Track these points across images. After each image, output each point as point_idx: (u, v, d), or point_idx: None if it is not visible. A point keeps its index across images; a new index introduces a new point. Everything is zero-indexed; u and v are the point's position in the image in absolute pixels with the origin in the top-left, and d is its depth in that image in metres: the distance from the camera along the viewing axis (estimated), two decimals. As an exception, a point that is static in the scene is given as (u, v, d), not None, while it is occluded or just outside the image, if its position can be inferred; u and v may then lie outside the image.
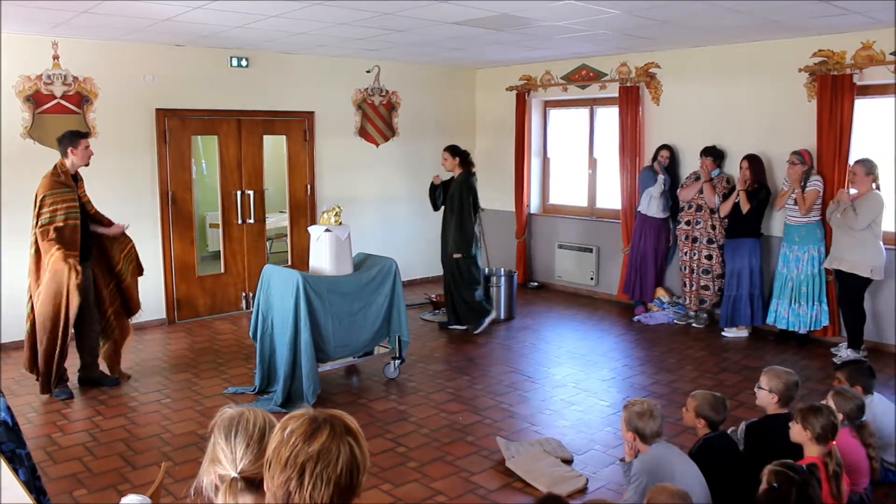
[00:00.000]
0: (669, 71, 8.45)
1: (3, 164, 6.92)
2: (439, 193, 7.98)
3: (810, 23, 6.48)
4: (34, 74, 7.09)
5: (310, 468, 1.53)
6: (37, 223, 5.62)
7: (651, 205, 8.31)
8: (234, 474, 1.82)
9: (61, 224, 5.62)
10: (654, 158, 8.34)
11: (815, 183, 6.96)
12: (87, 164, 5.90)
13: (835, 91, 6.99)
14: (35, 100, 7.12)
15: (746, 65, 7.73)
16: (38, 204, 5.63)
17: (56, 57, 7.19)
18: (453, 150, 7.80)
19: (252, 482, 1.79)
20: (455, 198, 7.65)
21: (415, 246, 10.09)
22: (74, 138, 5.79)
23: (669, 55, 8.39)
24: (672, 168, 8.31)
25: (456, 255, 7.65)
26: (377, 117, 9.67)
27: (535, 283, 10.08)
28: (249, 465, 1.81)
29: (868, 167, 6.51)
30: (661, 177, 8.18)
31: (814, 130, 7.16)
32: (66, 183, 5.72)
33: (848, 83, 6.93)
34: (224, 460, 1.85)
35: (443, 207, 7.97)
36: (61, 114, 7.25)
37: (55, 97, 7.23)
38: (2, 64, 6.90)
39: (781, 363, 5.76)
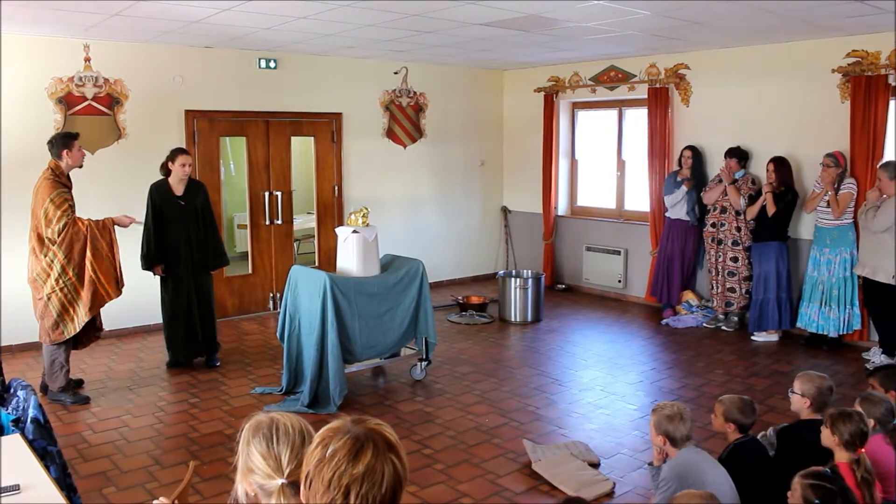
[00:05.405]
0: (699, 72, 8.36)
1: (33, 163, 6.94)
2: (159, 212, 6.38)
3: (844, 23, 6.39)
4: (66, 76, 7.19)
5: (355, 490, 1.51)
6: (55, 221, 5.43)
7: (675, 209, 8.25)
8: (282, 480, 1.84)
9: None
10: (679, 160, 8.28)
11: (849, 185, 6.86)
12: (80, 166, 5.79)
13: (869, 92, 6.88)
14: (67, 101, 7.21)
15: (778, 66, 7.63)
16: (47, 206, 5.43)
17: (87, 59, 7.28)
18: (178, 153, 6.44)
19: (297, 485, 1.79)
20: (208, 206, 6.57)
21: (442, 247, 10.10)
22: (68, 140, 5.65)
23: (699, 56, 8.31)
24: (698, 170, 8.23)
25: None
26: (405, 119, 9.68)
27: (563, 286, 10.03)
28: (295, 469, 1.82)
29: (891, 171, 6.39)
30: (682, 188, 8.11)
31: (847, 132, 7.05)
32: (66, 184, 5.63)
33: (883, 84, 6.82)
34: (267, 468, 1.87)
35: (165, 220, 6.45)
36: (92, 115, 7.34)
37: (86, 99, 7.31)
38: (28, 66, 7.00)
39: (812, 367, 5.67)
